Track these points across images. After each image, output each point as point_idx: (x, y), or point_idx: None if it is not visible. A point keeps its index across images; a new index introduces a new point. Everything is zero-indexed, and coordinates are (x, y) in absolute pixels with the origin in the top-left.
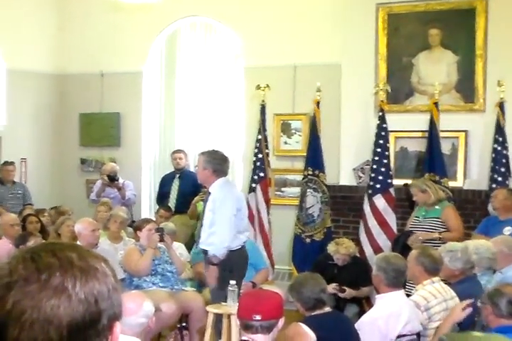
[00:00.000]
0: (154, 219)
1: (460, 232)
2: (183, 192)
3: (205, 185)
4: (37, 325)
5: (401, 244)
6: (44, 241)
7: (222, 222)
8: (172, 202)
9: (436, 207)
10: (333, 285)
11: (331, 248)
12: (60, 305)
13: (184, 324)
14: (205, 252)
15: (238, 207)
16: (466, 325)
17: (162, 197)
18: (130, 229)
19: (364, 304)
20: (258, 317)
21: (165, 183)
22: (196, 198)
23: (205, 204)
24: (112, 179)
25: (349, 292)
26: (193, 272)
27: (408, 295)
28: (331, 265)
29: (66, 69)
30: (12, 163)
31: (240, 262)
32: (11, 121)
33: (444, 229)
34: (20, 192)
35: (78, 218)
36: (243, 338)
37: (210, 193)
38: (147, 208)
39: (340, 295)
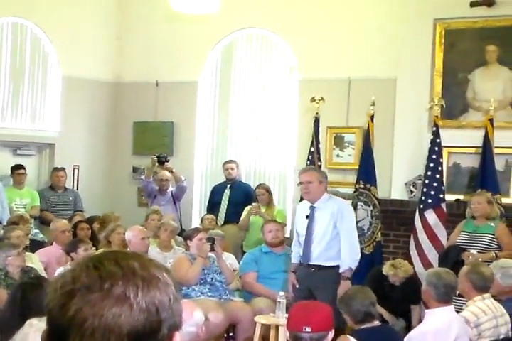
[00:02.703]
0: (201, 227)
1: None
2: (234, 203)
3: (308, 199)
4: (98, 333)
5: (453, 260)
6: (94, 248)
7: (352, 234)
8: (222, 212)
9: (489, 223)
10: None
11: (388, 271)
12: (121, 313)
13: (231, 334)
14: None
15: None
16: None
17: (213, 207)
18: (180, 238)
19: (412, 318)
20: (308, 329)
21: (216, 193)
22: (249, 212)
23: (311, 221)
24: (162, 161)
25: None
26: (241, 282)
27: (458, 311)
28: (385, 285)
29: (122, 77)
30: (62, 169)
31: None
32: (65, 127)
33: (496, 246)
34: (71, 198)
35: (128, 226)
36: None
37: (314, 207)
38: (197, 217)
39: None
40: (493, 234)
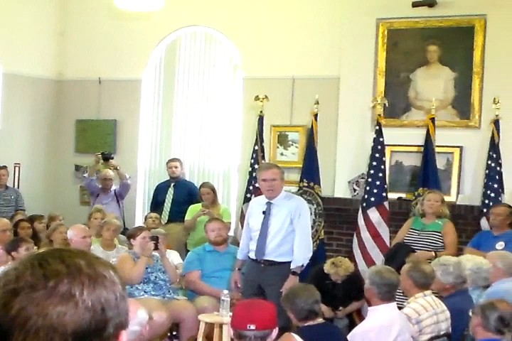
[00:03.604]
0: (145, 226)
1: (454, 249)
2: (178, 201)
3: (270, 196)
4: (42, 332)
5: (401, 260)
6: (36, 247)
7: (307, 231)
8: (166, 211)
9: (437, 221)
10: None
11: (329, 269)
12: (66, 312)
13: (175, 333)
14: (261, 262)
15: None
16: (455, 338)
17: (156, 206)
18: (123, 237)
19: (354, 316)
20: (252, 327)
21: (160, 192)
22: (199, 213)
23: (267, 216)
24: (107, 158)
25: (343, 312)
26: (185, 281)
27: (400, 308)
28: (327, 283)
29: (64, 74)
30: (4, 167)
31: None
32: (6, 125)
33: (443, 244)
34: (12, 197)
35: (71, 225)
36: None
37: (271, 203)
38: (141, 216)
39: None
40: (440, 232)
